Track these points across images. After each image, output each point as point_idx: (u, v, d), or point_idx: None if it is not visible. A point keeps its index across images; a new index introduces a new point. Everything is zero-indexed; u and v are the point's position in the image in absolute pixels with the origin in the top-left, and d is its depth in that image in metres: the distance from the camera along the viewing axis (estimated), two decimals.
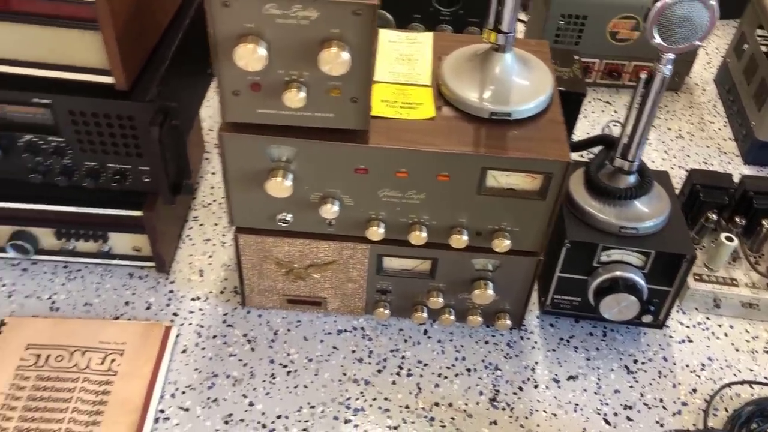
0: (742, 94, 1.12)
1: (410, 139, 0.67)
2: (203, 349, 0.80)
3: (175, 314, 0.82)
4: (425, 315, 0.81)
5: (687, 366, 0.82)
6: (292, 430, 0.73)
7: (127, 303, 0.83)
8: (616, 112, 1.16)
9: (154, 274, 0.86)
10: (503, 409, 0.77)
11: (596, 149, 0.89)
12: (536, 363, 0.81)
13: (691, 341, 0.84)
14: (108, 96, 0.70)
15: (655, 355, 0.83)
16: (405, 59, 0.76)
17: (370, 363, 0.80)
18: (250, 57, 0.58)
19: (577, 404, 0.77)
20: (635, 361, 0.82)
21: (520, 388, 0.78)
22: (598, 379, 0.80)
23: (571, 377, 0.80)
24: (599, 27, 1.11)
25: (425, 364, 0.80)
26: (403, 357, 0.81)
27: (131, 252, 0.84)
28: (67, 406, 0.72)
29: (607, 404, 0.78)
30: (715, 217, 0.88)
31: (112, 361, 0.77)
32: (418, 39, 0.79)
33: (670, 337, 0.85)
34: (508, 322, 0.81)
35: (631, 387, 0.79)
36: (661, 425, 0.76)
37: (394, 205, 0.71)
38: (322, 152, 0.67)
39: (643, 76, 0.71)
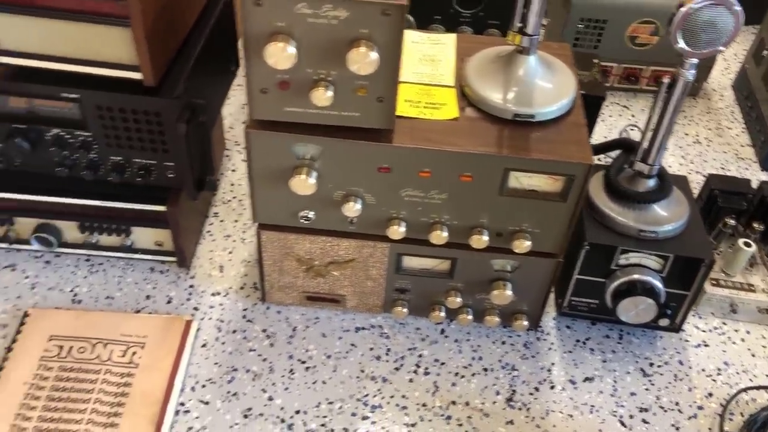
0: (760, 100, 1.12)
1: (434, 139, 0.68)
2: (223, 343, 0.80)
3: (195, 309, 0.83)
4: (443, 314, 0.82)
5: (703, 370, 0.82)
6: (310, 425, 0.74)
7: (148, 297, 0.84)
8: (633, 116, 1.16)
9: (174, 269, 0.87)
10: (519, 409, 0.77)
11: (613, 153, 0.90)
12: (552, 364, 0.81)
13: (707, 346, 0.85)
14: (136, 92, 0.71)
15: (671, 358, 0.83)
16: (428, 60, 0.76)
17: (387, 361, 0.80)
18: (280, 55, 0.59)
19: (593, 406, 0.78)
20: (651, 364, 0.82)
21: (537, 389, 0.79)
22: (614, 382, 0.80)
23: (587, 379, 0.80)
24: (618, 31, 1.11)
25: (442, 363, 0.81)
26: (420, 355, 0.81)
27: (153, 246, 0.85)
28: (90, 397, 0.74)
29: (622, 406, 0.78)
30: (733, 222, 0.88)
31: (134, 353, 0.78)
32: (441, 40, 0.80)
33: (686, 341, 0.85)
34: (526, 323, 0.82)
35: (647, 390, 0.80)
36: (677, 429, 0.76)
37: (415, 204, 0.72)
38: (346, 151, 0.68)
39: (666, 80, 0.71)
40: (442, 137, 0.68)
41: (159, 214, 0.80)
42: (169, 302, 0.84)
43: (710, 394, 0.80)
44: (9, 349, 0.77)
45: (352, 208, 0.72)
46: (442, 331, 0.84)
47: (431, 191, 0.70)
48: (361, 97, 0.64)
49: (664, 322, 0.81)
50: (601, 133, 1.12)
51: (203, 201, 0.93)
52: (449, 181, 0.69)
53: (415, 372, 0.80)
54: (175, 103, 0.72)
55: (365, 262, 0.79)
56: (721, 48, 0.67)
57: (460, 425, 0.75)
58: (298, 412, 0.75)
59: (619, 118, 1.15)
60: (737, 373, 0.82)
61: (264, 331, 0.82)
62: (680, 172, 1.06)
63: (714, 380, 0.81)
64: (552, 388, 0.79)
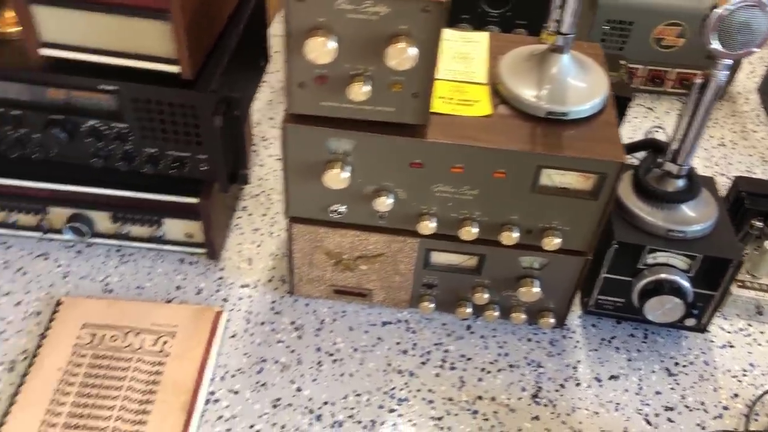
0: None
1: (467, 135, 0.68)
2: (252, 334, 0.81)
3: (224, 300, 0.84)
4: (469, 310, 0.82)
5: (728, 371, 0.82)
6: (338, 416, 0.75)
7: (178, 287, 0.85)
8: (657, 118, 1.16)
9: (204, 261, 0.88)
10: (545, 405, 0.78)
11: (638, 154, 0.90)
12: (578, 362, 0.82)
13: (732, 347, 0.85)
14: (173, 85, 0.73)
15: (696, 358, 0.83)
16: (461, 57, 0.77)
17: (414, 355, 0.81)
18: (321, 50, 0.60)
19: (618, 404, 0.78)
20: (676, 364, 0.83)
21: (562, 386, 0.79)
22: (640, 380, 0.81)
23: (612, 377, 0.81)
24: (644, 33, 1.11)
25: (468, 359, 0.81)
26: (446, 351, 0.82)
27: (183, 238, 0.86)
28: (122, 384, 0.75)
29: (648, 405, 0.78)
30: (759, 224, 0.88)
31: (165, 342, 0.79)
32: (474, 38, 0.80)
33: (711, 341, 0.85)
34: (552, 320, 0.82)
35: (672, 389, 0.80)
36: (703, 428, 0.77)
37: (446, 200, 0.73)
38: (380, 146, 0.69)
39: (698, 81, 0.72)
40: (475, 133, 0.69)
41: (191, 206, 0.81)
42: (198, 293, 0.85)
43: (736, 395, 0.80)
44: (43, 336, 0.78)
45: (384, 203, 0.72)
46: (468, 327, 0.85)
47: (463, 187, 0.71)
48: (397, 92, 0.65)
49: (690, 322, 0.81)
50: (626, 135, 1.12)
51: (231, 195, 0.94)
52: (481, 178, 0.70)
53: (441, 367, 0.80)
54: (211, 96, 0.73)
55: (394, 257, 0.79)
56: (755, 49, 0.67)
57: (486, 420, 0.76)
58: (326, 403, 0.76)
59: (644, 120, 1.16)
60: (763, 374, 0.82)
61: (292, 323, 0.83)
62: (705, 174, 1.06)
63: (740, 381, 0.81)
64: (577, 385, 0.80)
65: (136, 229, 0.85)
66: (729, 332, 0.86)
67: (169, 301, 0.84)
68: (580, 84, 0.72)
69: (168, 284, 0.86)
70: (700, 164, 1.09)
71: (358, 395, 0.77)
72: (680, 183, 0.79)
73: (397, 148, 0.69)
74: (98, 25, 0.70)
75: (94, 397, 0.74)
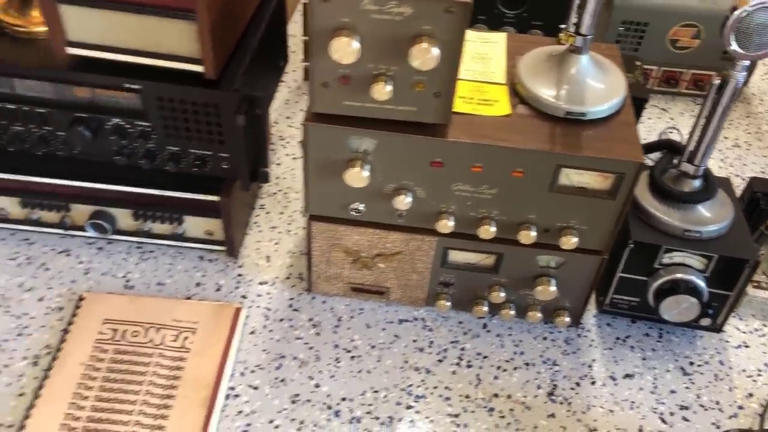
0: None
1: (487, 135, 0.69)
2: (271, 331, 0.82)
3: (243, 297, 0.86)
4: (486, 309, 0.83)
5: (743, 371, 0.83)
6: (356, 412, 0.76)
7: (198, 284, 0.86)
8: (672, 119, 1.17)
9: (223, 258, 0.89)
10: (561, 403, 0.78)
11: (653, 155, 0.91)
12: (593, 360, 0.83)
13: (747, 347, 0.85)
14: (196, 84, 0.74)
15: (711, 358, 0.84)
16: (480, 57, 0.78)
17: (430, 353, 0.82)
18: (345, 50, 0.61)
19: (633, 402, 0.79)
20: (691, 363, 0.83)
21: (578, 384, 0.80)
22: (654, 379, 0.81)
23: (627, 375, 0.81)
24: (660, 34, 1.12)
25: (484, 357, 0.82)
26: (462, 349, 0.83)
27: (203, 236, 0.87)
28: (143, 379, 0.76)
29: (663, 403, 0.79)
30: None
31: (185, 338, 0.80)
32: (492, 39, 0.81)
33: (726, 341, 0.86)
34: (567, 319, 0.83)
35: (687, 388, 0.81)
36: (718, 427, 0.77)
37: (465, 199, 0.73)
38: (400, 145, 0.70)
39: (716, 82, 0.72)
40: (495, 133, 0.70)
41: (211, 204, 0.83)
42: (218, 290, 0.86)
43: (750, 395, 0.80)
44: (66, 331, 0.79)
45: (403, 201, 0.73)
46: (484, 326, 0.85)
47: (482, 186, 0.72)
48: (419, 92, 0.66)
49: (705, 321, 0.82)
50: (641, 136, 1.12)
51: (250, 193, 0.95)
52: (500, 177, 0.71)
53: (457, 364, 0.81)
54: (234, 95, 0.74)
55: (412, 255, 0.80)
56: None
57: (503, 417, 0.77)
58: (344, 399, 0.77)
59: (658, 121, 1.16)
60: None
61: (310, 320, 0.84)
62: (720, 175, 1.07)
63: (755, 381, 0.82)
64: (593, 383, 0.80)
65: (157, 227, 0.87)
66: (744, 332, 0.87)
67: (189, 298, 0.85)
68: (598, 85, 0.72)
69: (188, 281, 0.87)
70: (714, 165, 1.09)
71: (376, 392, 0.78)
72: (696, 183, 0.80)
73: (418, 147, 0.70)
74: (124, 24, 0.71)
75: (116, 391, 0.75)
